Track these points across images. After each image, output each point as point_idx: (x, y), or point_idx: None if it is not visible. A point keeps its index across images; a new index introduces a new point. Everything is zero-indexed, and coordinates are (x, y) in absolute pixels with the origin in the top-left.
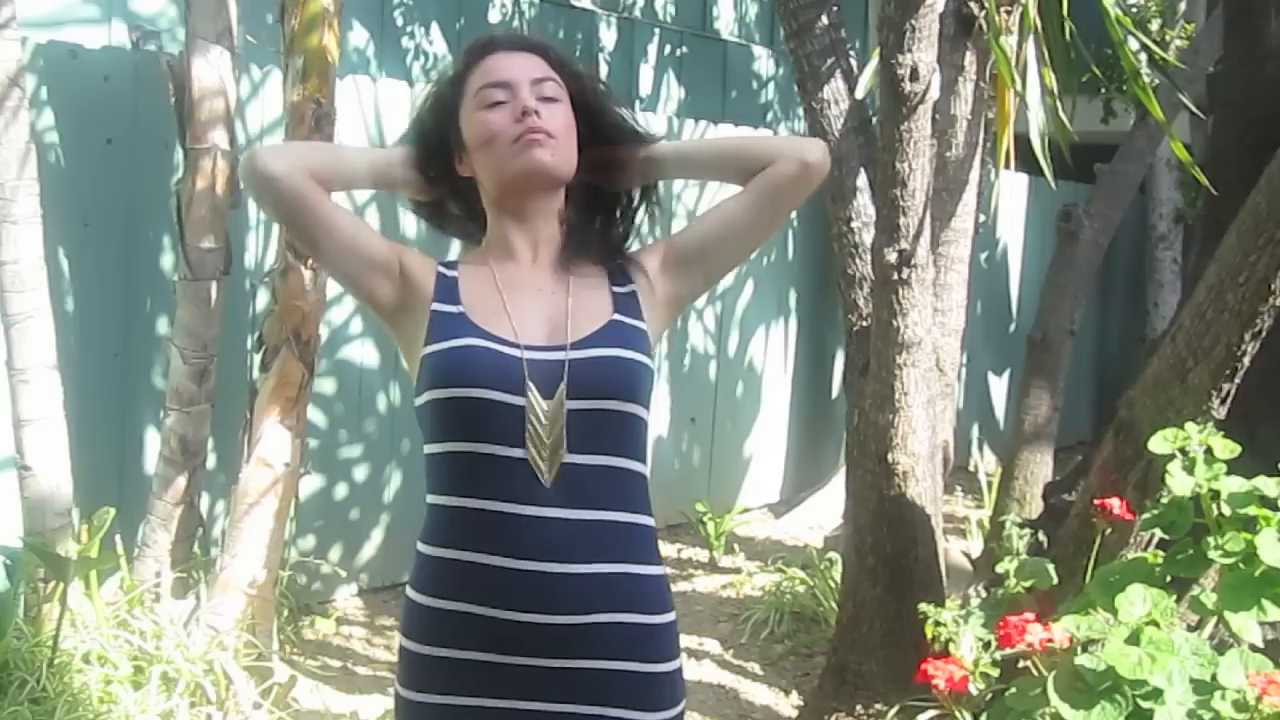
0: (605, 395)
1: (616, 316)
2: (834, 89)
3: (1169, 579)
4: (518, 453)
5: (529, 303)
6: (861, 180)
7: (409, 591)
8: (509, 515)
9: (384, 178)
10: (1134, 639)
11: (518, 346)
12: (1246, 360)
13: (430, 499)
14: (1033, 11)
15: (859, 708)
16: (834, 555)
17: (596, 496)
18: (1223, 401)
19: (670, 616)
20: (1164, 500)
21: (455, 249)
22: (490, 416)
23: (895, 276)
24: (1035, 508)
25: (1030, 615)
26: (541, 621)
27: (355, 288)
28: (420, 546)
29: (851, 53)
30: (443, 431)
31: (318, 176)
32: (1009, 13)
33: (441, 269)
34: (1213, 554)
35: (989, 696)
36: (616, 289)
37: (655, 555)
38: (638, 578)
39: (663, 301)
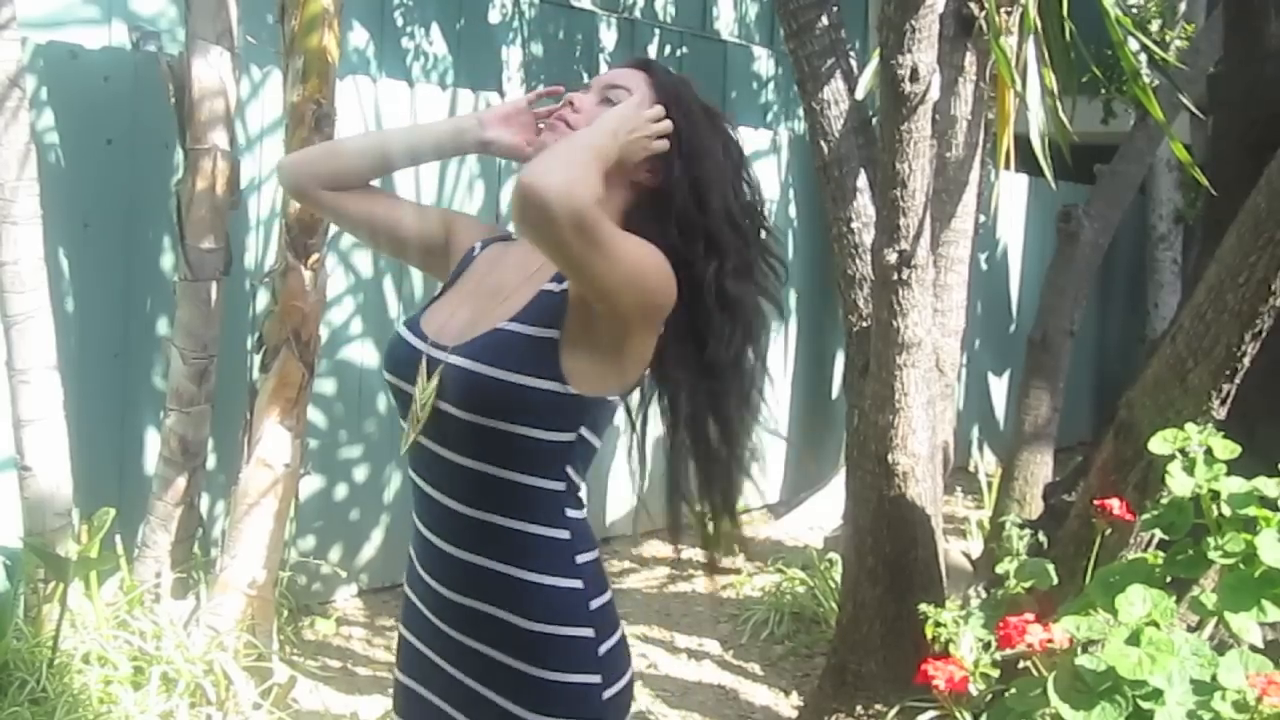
0: (466, 409)
1: (505, 325)
2: (834, 89)
3: (1169, 580)
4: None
5: (477, 294)
6: (861, 181)
7: None
8: (419, 488)
9: (440, 147)
10: (1134, 639)
11: (426, 341)
12: (1246, 361)
13: None
14: (1033, 12)
15: (859, 708)
16: (834, 556)
17: (469, 496)
18: (1223, 402)
19: (559, 629)
20: (1164, 501)
21: None
22: (398, 399)
23: (895, 277)
24: (1035, 508)
25: (1030, 616)
26: (438, 590)
27: (424, 270)
28: None
29: (851, 53)
30: None
31: (331, 182)
32: (1009, 13)
33: (477, 245)
34: (1213, 554)
35: (989, 697)
36: (550, 286)
37: (545, 564)
38: (512, 579)
39: (589, 312)
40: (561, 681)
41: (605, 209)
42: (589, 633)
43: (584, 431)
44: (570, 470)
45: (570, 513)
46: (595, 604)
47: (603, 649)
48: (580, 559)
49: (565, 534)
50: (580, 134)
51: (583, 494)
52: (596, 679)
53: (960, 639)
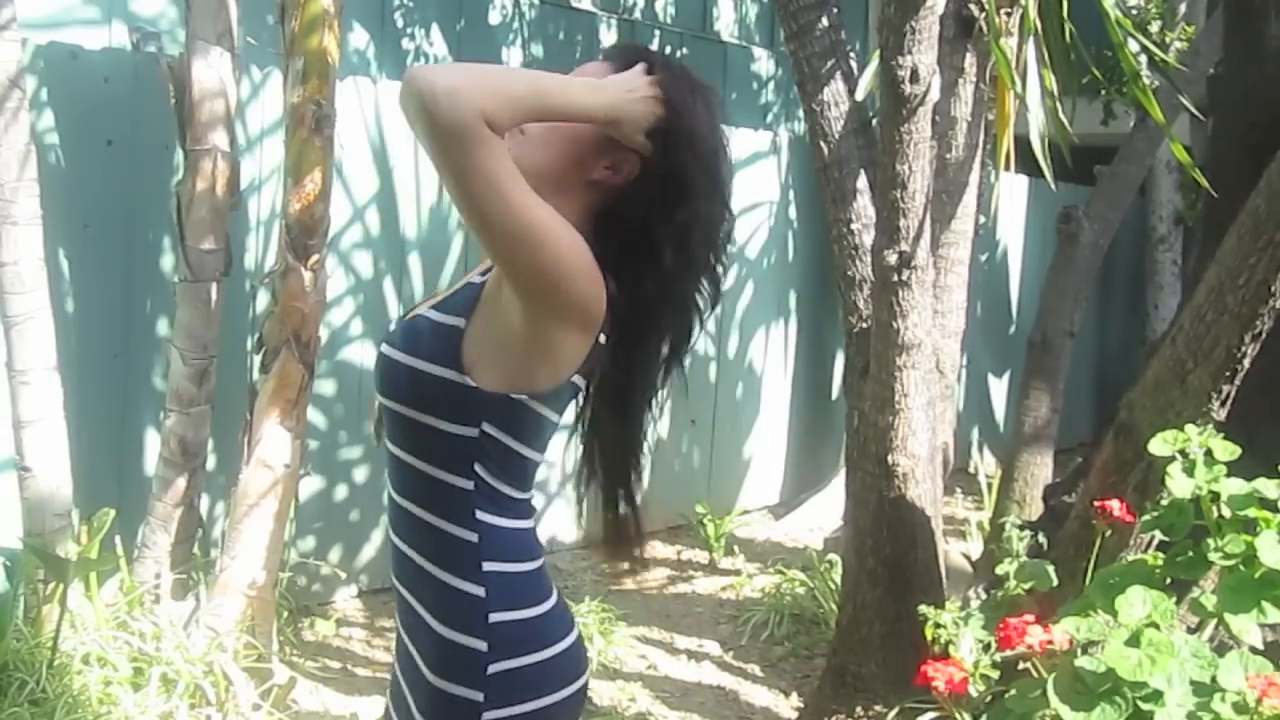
0: (383, 394)
1: (425, 312)
2: (834, 91)
3: (1169, 581)
4: None
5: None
6: (861, 182)
7: None
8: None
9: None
10: (1134, 641)
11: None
12: (1246, 362)
13: None
14: (1033, 13)
15: (859, 709)
16: (834, 557)
17: (397, 483)
18: (1222, 403)
19: (450, 633)
20: (1164, 502)
21: (454, 250)
22: None
23: (895, 278)
24: (1035, 510)
25: (1030, 617)
26: (392, 576)
27: None
28: None
29: (851, 54)
30: None
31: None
32: (1009, 14)
33: None
34: (1213, 556)
35: (989, 698)
36: (474, 277)
37: (448, 563)
38: (424, 571)
39: (501, 301)
40: (439, 688)
41: (565, 207)
42: (480, 645)
43: (489, 429)
44: (481, 470)
45: (483, 516)
46: (497, 618)
47: (494, 668)
48: (489, 566)
49: (472, 536)
50: (535, 71)
51: (510, 500)
52: (478, 696)
53: (960, 640)
